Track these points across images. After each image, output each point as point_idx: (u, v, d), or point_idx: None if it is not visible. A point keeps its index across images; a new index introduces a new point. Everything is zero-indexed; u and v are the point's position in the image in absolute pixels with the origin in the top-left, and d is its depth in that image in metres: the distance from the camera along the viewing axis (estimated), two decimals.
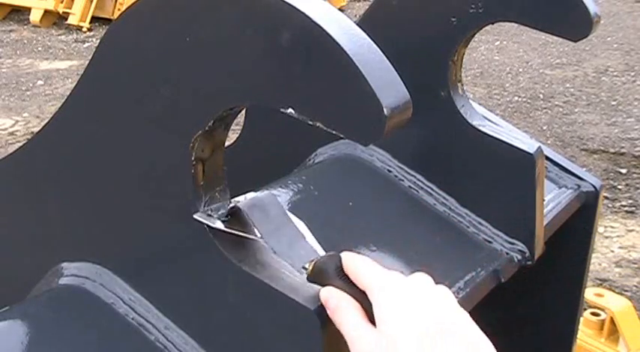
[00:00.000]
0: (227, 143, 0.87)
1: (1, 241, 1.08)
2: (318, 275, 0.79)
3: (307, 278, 0.79)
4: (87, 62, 0.90)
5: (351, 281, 0.77)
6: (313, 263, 0.79)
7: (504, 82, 6.04)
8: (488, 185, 1.28)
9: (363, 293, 0.76)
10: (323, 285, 0.78)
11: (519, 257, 1.25)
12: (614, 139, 4.78)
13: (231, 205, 0.84)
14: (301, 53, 0.71)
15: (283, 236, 0.82)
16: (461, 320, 0.73)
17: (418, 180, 1.32)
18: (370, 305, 0.75)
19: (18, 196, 1.03)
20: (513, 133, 1.29)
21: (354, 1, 8.90)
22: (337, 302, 0.76)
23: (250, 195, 0.85)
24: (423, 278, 0.77)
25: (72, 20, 7.76)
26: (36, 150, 1.00)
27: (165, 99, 0.82)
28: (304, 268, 0.79)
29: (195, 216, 0.82)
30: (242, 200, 0.84)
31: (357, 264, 0.78)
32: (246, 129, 1.47)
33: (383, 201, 1.30)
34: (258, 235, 0.82)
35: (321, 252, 0.82)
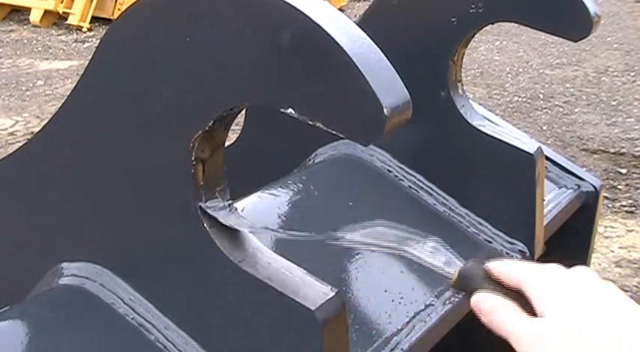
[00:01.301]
0: (227, 143, 0.87)
1: (1, 241, 1.08)
2: (464, 281, 0.77)
3: (452, 285, 0.78)
4: (87, 62, 0.90)
5: (500, 284, 0.75)
6: (457, 270, 0.78)
7: (504, 82, 6.04)
8: (489, 185, 1.28)
9: (516, 291, 0.73)
10: (470, 292, 0.76)
11: (519, 257, 1.25)
12: (614, 139, 4.78)
13: None
14: (301, 53, 0.71)
15: (425, 243, 0.80)
16: (626, 320, 0.68)
17: (418, 180, 1.32)
18: (526, 301, 0.72)
19: (18, 196, 1.03)
20: (513, 133, 1.29)
21: (354, 1, 8.90)
22: (491, 304, 0.73)
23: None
24: (585, 272, 0.73)
25: (72, 20, 7.76)
26: (36, 150, 1.00)
27: (165, 99, 0.82)
28: (448, 275, 0.78)
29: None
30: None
31: (505, 264, 0.76)
32: (246, 129, 1.47)
33: (383, 201, 1.30)
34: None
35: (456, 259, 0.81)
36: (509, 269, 0.75)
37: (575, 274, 0.73)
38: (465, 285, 0.78)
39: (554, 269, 0.74)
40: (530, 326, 0.69)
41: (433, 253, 0.80)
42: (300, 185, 1.23)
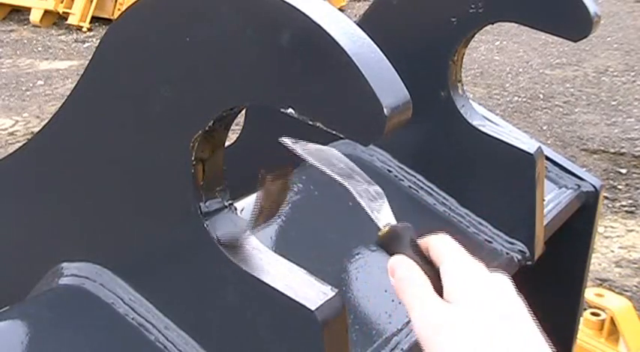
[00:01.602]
0: (227, 143, 0.87)
1: (1, 241, 1.08)
2: (390, 241, 0.77)
3: (377, 241, 0.78)
4: (87, 62, 0.90)
5: (423, 255, 0.76)
6: (389, 227, 0.77)
7: (504, 82, 6.04)
8: (489, 185, 1.28)
9: (435, 268, 0.75)
10: (391, 253, 0.77)
11: (519, 257, 1.25)
12: (614, 139, 4.78)
13: None
14: (301, 53, 0.71)
15: (369, 189, 0.81)
16: (523, 316, 0.73)
17: (418, 180, 1.32)
18: (437, 277, 0.74)
19: (18, 196, 1.03)
20: (513, 133, 1.29)
21: (354, 1, 8.90)
22: (407, 273, 0.74)
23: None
24: (504, 279, 0.76)
25: (72, 20, 7.76)
26: (36, 150, 1.00)
27: (165, 99, 0.82)
28: (379, 226, 0.78)
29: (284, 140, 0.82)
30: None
31: (435, 237, 0.77)
32: (246, 129, 1.48)
33: None
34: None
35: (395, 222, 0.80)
36: (438, 243, 0.76)
37: (494, 278, 0.75)
38: (391, 244, 0.78)
39: (478, 265, 0.76)
40: (434, 304, 0.71)
41: (372, 200, 0.80)
42: (300, 185, 1.22)
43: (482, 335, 0.69)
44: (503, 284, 0.75)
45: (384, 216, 0.79)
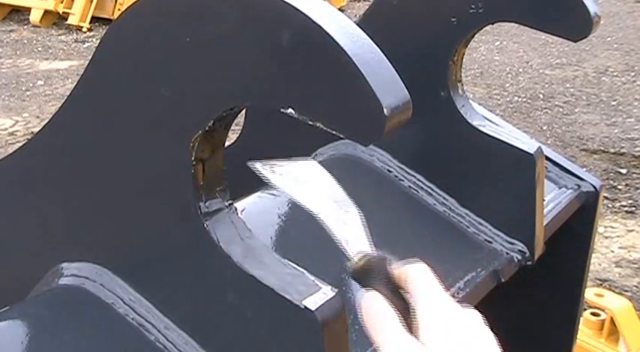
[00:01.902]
0: (227, 143, 0.87)
1: (2, 241, 1.08)
2: (363, 274, 0.75)
3: (349, 273, 0.75)
4: (87, 62, 0.90)
5: (397, 289, 0.74)
6: (363, 259, 0.75)
7: (504, 82, 6.04)
8: (489, 185, 1.28)
9: (406, 303, 0.73)
10: (364, 286, 0.74)
11: (519, 257, 1.25)
12: (614, 139, 4.78)
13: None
14: (301, 53, 0.71)
15: (344, 214, 0.78)
16: None
17: (418, 180, 1.32)
18: (407, 310, 0.72)
19: (18, 196, 1.03)
20: (513, 133, 1.29)
21: (354, 1, 8.90)
22: (378, 309, 0.72)
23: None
24: (474, 317, 0.75)
25: (72, 20, 7.76)
26: (36, 150, 1.00)
27: (165, 99, 0.82)
28: (352, 258, 0.75)
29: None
30: None
31: (412, 269, 0.75)
32: (246, 129, 1.47)
33: (383, 201, 1.30)
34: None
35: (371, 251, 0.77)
36: (415, 275, 0.74)
37: (466, 316, 0.74)
38: (364, 277, 0.75)
39: (452, 302, 0.74)
40: (407, 342, 0.70)
41: (346, 225, 0.77)
42: None
43: None
44: (475, 323, 0.74)
45: (357, 245, 0.76)
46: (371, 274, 0.75)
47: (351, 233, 0.77)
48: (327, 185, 0.81)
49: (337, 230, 0.77)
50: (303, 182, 0.80)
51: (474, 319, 0.74)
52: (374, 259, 0.75)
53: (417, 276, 0.75)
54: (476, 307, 1.10)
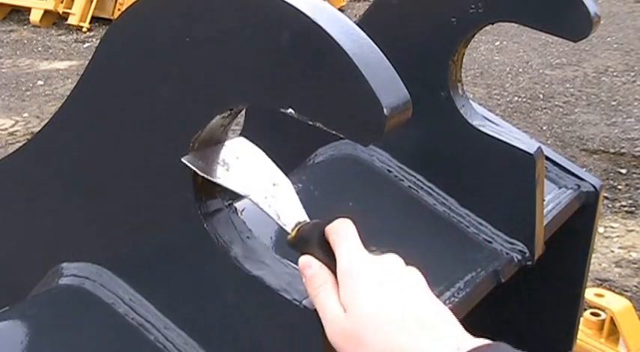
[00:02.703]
0: None
1: (2, 241, 1.08)
2: (299, 242, 0.77)
3: (288, 243, 0.77)
4: (87, 62, 0.90)
5: (332, 253, 0.75)
6: (297, 228, 0.77)
7: (504, 82, 6.04)
8: (488, 185, 1.28)
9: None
10: (303, 253, 0.77)
11: (519, 257, 1.25)
12: (614, 139, 4.78)
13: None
14: (301, 53, 0.71)
15: (276, 192, 0.79)
16: (426, 309, 0.72)
17: (418, 180, 1.32)
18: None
19: (18, 196, 1.03)
20: (513, 133, 1.29)
21: (354, 1, 8.90)
22: (313, 274, 0.75)
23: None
24: (393, 261, 0.76)
25: (72, 20, 7.75)
26: (36, 150, 1.00)
27: (165, 99, 0.82)
28: (287, 230, 0.77)
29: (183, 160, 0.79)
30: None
31: (336, 235, 0.76)
32: (246, 129, 1.47)
33: (383, 201, 1.30)
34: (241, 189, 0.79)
35: (306, 218, 0.79)
36: (332, 233, 0.76)
37: (381, 265, 0.75)
38: (300, 244, 0.77)
39: (366, 259, 0.74)
40: (336, 316, 0.72)
41: (275, 199, 0.79)
42: (300, 185, 1.22)
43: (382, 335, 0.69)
44: (403, 281, 0.74)
45: (292, 215, 0.78)
46: (307, 241, 0.77)
47: (283, 205, 0.79)
48: (255, 161, 0.82)
49: (268, 206, 0.78)
50: (232, 165, 0.81)
51: (390, 265, 0.75)
52: (307, 225, 0.78)
53: (335, 229, 0.76)
54: (476, 307, 1.11)
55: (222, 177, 0.79)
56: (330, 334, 0.72)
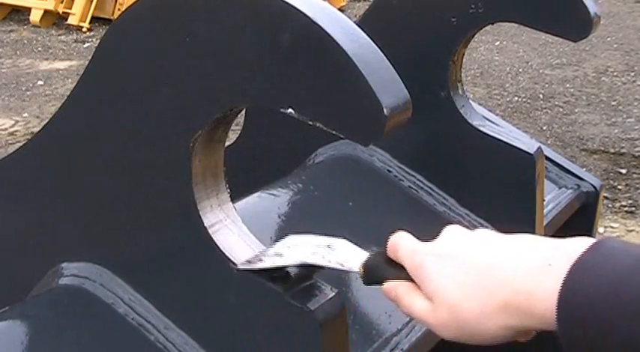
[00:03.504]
0: (227, 143, 0.87)
1: (2, 241, 1.08)
2: (372, 275, 0.77)
3: (365, 283, 0.78)
4: (87, 62, 0.90)
5: (400, 265, 0.76)
6: (362, 265, 0.78)
7: (504, 82, 6.03)
8: (488, 185, 1.28)
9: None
10: (381, 283, 0.77)
11: None
12: (614, 139, 4.78)
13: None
14: (301, 53, 0.71)
15: (333, 249, 0.80)
16: (496, 248, 0.70)
17: (418, 180, 1.32)
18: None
19: (18, 196, 1.03)
20: (513, 133, 1.29)
21: (354, 1, 8.90)
22: (395, 291, 0.75)
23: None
24: (449, 233, 0.75)
25: (72, 20, 7.75)
26: (36, 150, 1.00)
27: (165, 99, 0.82)
28: (356, 272, 0.78)
29: (240, 267, 0.81)
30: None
31: (393, 247, 0.76)
32: (246, 129, 1.47)
33: (383, 201, 1.30)
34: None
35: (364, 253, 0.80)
36: (398, 256, 0.76)
37: (443, 241, 0.75)
38: (374, 277, 0.77)
39: (425, 249, 0.74)
40: (424, 312, 0.72)
41: (334, 253, 0.79)
42: (300, 185, 1.23)
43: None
44: (448, 233, 0.75)
45: (354, 258, 0.79)
46: (376, 269, 0.77)
47: (342, 255, 0.79)
48: (306, 240, 0.82)
49: (328, 261, 0.79)
50: (284, 253, 0.81)
51: (450, 238, 0.74)
52: (370, 258, 0.78)
53: (391, 243, 0.76)
54: None
55: (279, 261, 0.80)
56: (439, 331, 0.72)
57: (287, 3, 0.70)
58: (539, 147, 1.24)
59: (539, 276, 0.65)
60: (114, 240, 0.93)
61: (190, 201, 0.83)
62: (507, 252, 0.69)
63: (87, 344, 0.89)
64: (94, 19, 7.82)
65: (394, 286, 0.75)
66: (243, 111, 1.20)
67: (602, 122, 5.11)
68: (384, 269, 0.77)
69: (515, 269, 0.67)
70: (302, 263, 0.78)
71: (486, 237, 0.73)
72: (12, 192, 1.04)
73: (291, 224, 1.16)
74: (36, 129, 2.66)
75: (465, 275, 0.70)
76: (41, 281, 0.98)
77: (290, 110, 0.73)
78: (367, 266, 0.78)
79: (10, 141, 4.73)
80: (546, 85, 5.95)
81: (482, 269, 0.69)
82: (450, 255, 0.72)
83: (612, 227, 3.70)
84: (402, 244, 0.76)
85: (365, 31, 0.73)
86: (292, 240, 0.82)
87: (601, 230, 3.61)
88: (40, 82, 6.05)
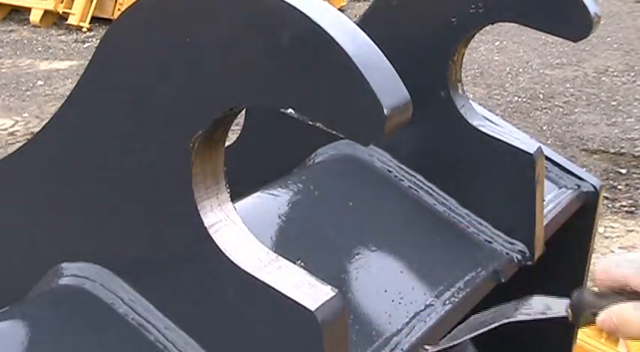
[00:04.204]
0: (227, 143, 0.87)
1: (1, 241, 1.08)
2: (580, 311, 0.78)
3: (577, 325, 0.78)
4: (87, 62, 0.90)
5: (613, 290, 0.75)
6: (568, 308, 0.78)
7: (504, 82, 6.03)
8: (488, 185, 1.28)
9: (631, 292, 0.74)
10: (593, 318, 0.77)
11: (519, 257, 1.25)
12: (614, 139, 4.78)
13: None
14: (301, 53, 0.71)
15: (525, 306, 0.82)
16: None
17: (418, 180, 1.32)
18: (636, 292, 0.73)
19: (18, 196, 1.03)
20: (513, 133, 1.29)
21: (354, 1, 8.90)
22: (618, 316, 0.73)
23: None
24: None
25: (72, 20, 7.76)
26: (35, 150, 1.00)
27: (165, 99, 0.82)
28: (565, 316, 0.79)
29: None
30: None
31: (602, 270, 0.76)
32: (246, 129, 1.47)
33: (383, 201, 1.30)
34: None
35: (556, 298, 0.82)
36: (612, 271, 0.76)
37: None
38: (584, 315, 0.78)
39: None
40: None
41: (532, 306, 0.80)
42: (300, 185, 1.23)
43: None
44: None
45: (555, 306, 0.80)
46: (586, 306, 0.79)
47: (541, 302, 0.82)
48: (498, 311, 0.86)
49: (528, 315, 0.81)
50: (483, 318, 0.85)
51: None
52: (574, 298, 0.80)
53: (604, 272, 0.78)
54: (476, 307, 1.10)
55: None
56: None
57: (287, 3, 0.70)
58: (539, 147, 1.24)
59: None
60: (114, 241, 0.93)
61: (190, 201, 0.83)
62: None
63: (87, 344, 0.89)
64: (94, 19, 7.83)
65: (617, 310, 0.74)
66: (243, 111, 1.20)
67: (602, 122, 5.11)
68: (592, 302, 0.77)
69: None
70: (519, 318, 0.80)
71: None
72: (12, 192, 1.04)
73: (291, 224, 1.16)
74: (36, 129, 2.66)
75: None
76: (41, 281, 0.98)
77: (290, 110, 0.73)
78: (574, 309, 0.78)
79: (10, 141, 4.73)
80: (546, 85, 5.95)
81: None
82: None
83: (612, 227, 3.70)
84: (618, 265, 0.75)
85: (365, 31, 0.73)
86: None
87: (601, 230, 3.62)
88: (40, 82, 6.05)
